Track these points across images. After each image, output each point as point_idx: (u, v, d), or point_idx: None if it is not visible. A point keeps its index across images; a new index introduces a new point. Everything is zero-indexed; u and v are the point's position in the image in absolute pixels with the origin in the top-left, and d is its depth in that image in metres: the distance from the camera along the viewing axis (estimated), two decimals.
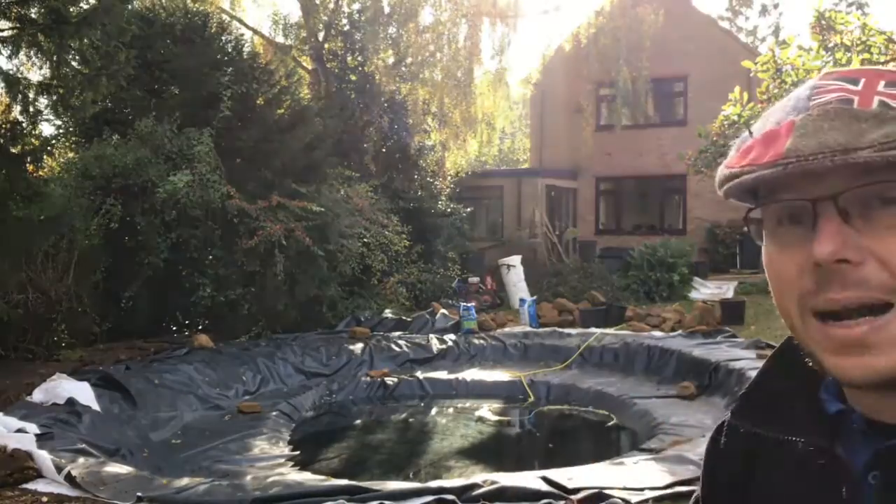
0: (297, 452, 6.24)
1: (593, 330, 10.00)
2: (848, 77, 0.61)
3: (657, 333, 9.72)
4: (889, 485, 0.60)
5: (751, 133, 0.64)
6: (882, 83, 0.60)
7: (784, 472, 0.70)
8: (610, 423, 7.38)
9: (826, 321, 0.59)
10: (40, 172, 8.46)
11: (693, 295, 13.53)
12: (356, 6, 15.53)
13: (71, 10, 7.24)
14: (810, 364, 0.64)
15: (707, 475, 0.79)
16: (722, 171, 0.65)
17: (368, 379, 8.63)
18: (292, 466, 5.65)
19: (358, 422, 8.05)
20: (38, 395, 6.32)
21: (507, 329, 10.61)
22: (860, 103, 0.58)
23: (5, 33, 7.27)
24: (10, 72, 7.56)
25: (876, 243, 0.57)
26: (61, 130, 9.94)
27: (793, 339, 0.68)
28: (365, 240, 10.64)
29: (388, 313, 10.97)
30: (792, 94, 0.65)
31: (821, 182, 0.58)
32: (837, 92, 0.60)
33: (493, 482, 4.46)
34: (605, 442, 7.22)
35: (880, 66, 0.61)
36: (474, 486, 4.42)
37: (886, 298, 0.56)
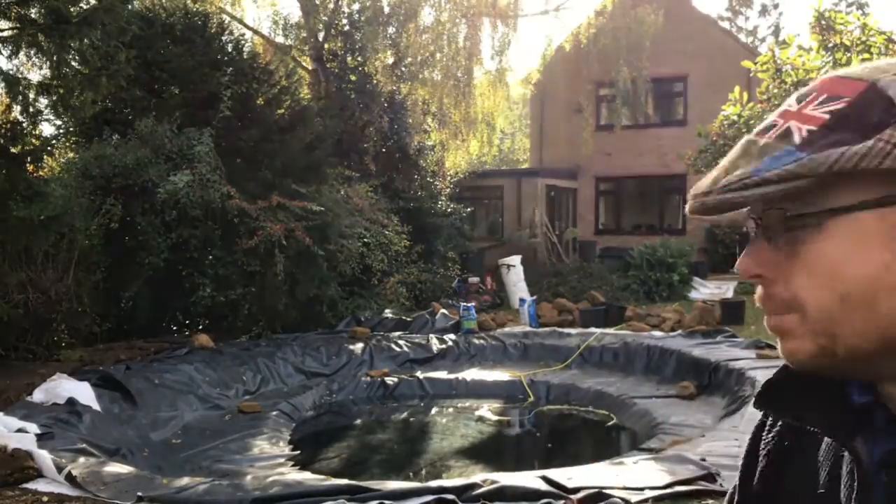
0: (298, 452, 6.25)
1: (593, 330, 10.01)
2: (804, 94, 0.62)
3: (657, 333, 9.73)
4: None
5: None
6: (823, 97, 0.60)
7: (812, 460, 0.70)
8: (610, 423, 7.39)
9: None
10: (40, 172, 8.47)
11: (693, 295, 13.54)
12: (356, 6, 15.54)
13: (71, 10, 7.24)
14: None
15: (748, 457, 0.79)
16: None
17: (368, 379, 8.64)
18: (292, 466, 5.66)
19: (358, 421, 8.06)
20: (38, 395, 6.33)
21: (507, 329, 10.61)
22: (772, 133, 0.60)
23: (5, 33, 7.28)
24: (11, 72, 7.57)
25: (788, 262, 0.60)
26: (61, 130, 9.94)
27: None
28: (365, 240, 10.65)
29: (388, 313, 10.98)
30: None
31: (754, 205, 0.61)
32: (773, 119, 0.62)
33: (492, 482, 4.46)
34: (604, 442, 7.23)
35: (836, 74, 0.61)
36: (474, 485, 4.42)
37: (781, 311, 0.61)
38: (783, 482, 0.72)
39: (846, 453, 0.64)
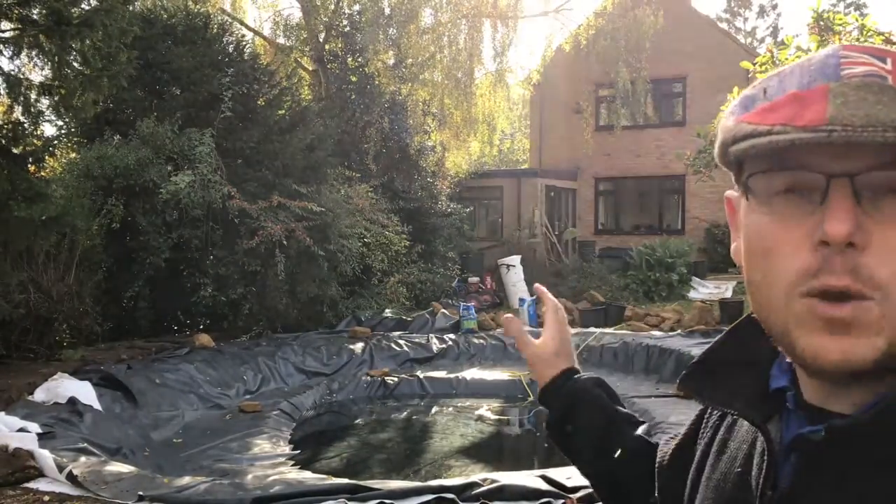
0: (298, 451, 6.27)
1: (593, 330, 10.03)
2: (874, 53, 0.57)
3: (656, 333, 9.76)
4: (805, 469, 0.59)
5: (765, 94, 0.59)
6: None
7: (733, 441, 0.70)
8: None
9: (817, 298, 0.56)
10: (42, 173, 8.48)
11: (692, 295, 13.56)
12: (357, 7, 15.56)
13: (72, 11, 7.26)
14: (771, 343, 0.62)
15: (688, 432, 0.84)
16: (737, 125, 0.59)
17: (369, 378, 8.66)
18: (293, 465, 5.67)
19: (358, 421, 8.08)
20: (39, 395, 6.35)
21: None
22: (894, 82, 0.54)
23: (7, 34, 7.30)
24: (12, 73, 7.59)
25: (879, 232, 0.54)
26: (63, 131, 9.96)
27: (751, 317, 0.68)
28: (365, 240, 10.67)
29: (388, 313, 11.00)
30: (809, 58, 0.59)
31: (841, 158, 0.54)
32: (867, 66, 0.56)
33: (492, 481, 4.48)
34: None
35: None
36: (474, 484, 4.44)
37: (871, 294, 0.54)
38: (715, 467, 0.71)
39: (756, 435, 0.65)
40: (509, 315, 1.17)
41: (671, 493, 0.81)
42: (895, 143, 0.51)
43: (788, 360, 0.64)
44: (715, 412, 0.78)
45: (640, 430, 0.99)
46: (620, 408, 1.04)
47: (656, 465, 0.88)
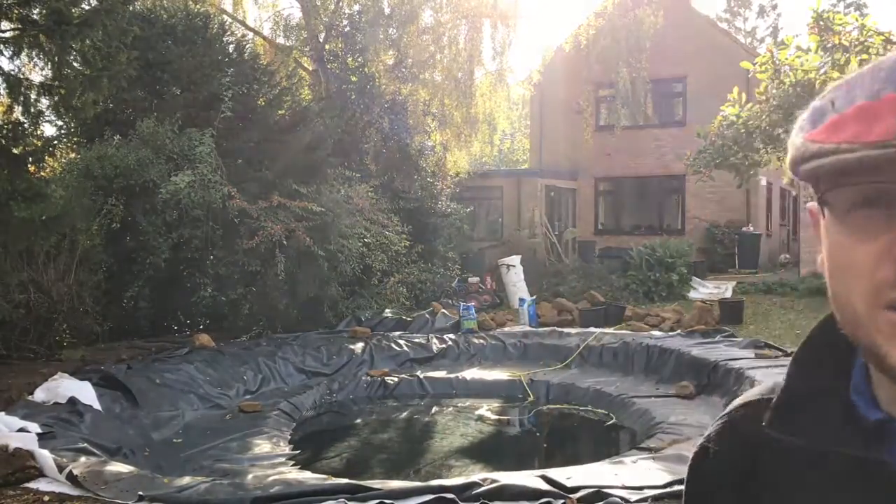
0: (298, 451, 6.27)
1: (593, 330, 10.02)
2: None
3: (656, 333, 9.75)
4: None
5: (834, 106, 0.58)
6: None
7: (819, 479, 0.65)
8: (609, 423, 7.41)
9: None
10: (42, 173, 8.50)
11: (692, 295, 13.56)
12: (357, 7, 15.56)
13: (72, 11, 7.27)
14: (863, 359, 0.61)
15: (696, 480, 0.76)
16: (805, 144, 0.58)
17: (369, 378, 8.66)
18: (293, 465, 5.67)
19: (358, 421, 8.08)
20: (39, 395, 6.35)
21: (506, 329, 10.64)
22: None
23: (7, 34, 7.30)
24: (12, 73, 7.60)
25: None
26: (63, 131, 9.97)
27: (821, 333, 0.66)
28: (365, 240, 10.66)
29: (388, 313, 11.00)
30: (880, 63, 0.58)
31: None
32: None
33: (492, 481, 4.47)
34: (604, 441, 7.25)
35: None
36: (474, 484, 4.44)
37: None
38: None
39: (872, 469, 0.61)
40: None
41: None
42: None
43: (862, 379, 0.63)
44: (724, 450, 0.72)
45: None
46: None
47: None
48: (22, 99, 7.46)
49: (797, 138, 0.60)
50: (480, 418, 7.86)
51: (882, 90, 0.55)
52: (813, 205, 0.64)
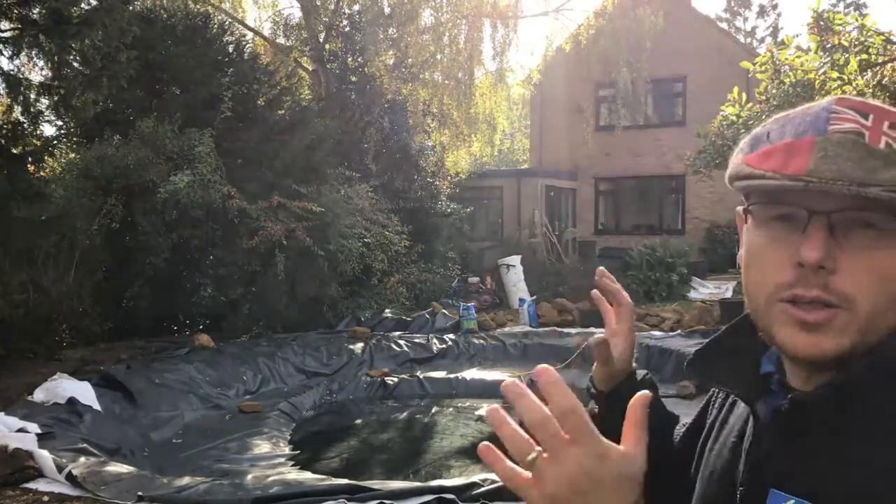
0: (298, 452, 6.26)
1: (592, 330, 10.02)
2: (860, 109, 0.69)
3: (656, 333, 9.75)
4: (777, 433, 0.72)
5: (769, 137, 0.72)
6: (886, 123, 0.68)
7: (732, 417, 0.84)
8: None
9: (789, 303, 0.70)
10: (42, 173, 8.50)
11: (692, 295, 13.56)
12: (357, 7, 15.55)
13: (72, 10, 7.26)
14: (761, 336, 0.76)
15: (698, 414, 0.97)
16: (740, 166, 0.73)
17: (369, 378, 8.65)
18: (293, 466, 5.67)
19: (358, 421, 8.07)
20: (39, 395, 6.34)
21: (506, 329, 10.63)
22: (870, 139, 0.67)
23: (7, 34, 7.30)
24: (12, 73, 7.60)
25: (847, 258, 0.67)
26: (62, 131, 9.96)
27: (748, 316, 0.81)
28: (365, 240, 10.66)
29: (388, 313, 10.99)
30: (810, 109, 0.72)
31: (821, 199, 0.66)
32: (852, 122, 0.68)
33: (492, 481, 4.47)
34: None
35: (885, 106, 0.71)
36: (474, 485, 4.44)
37: (838, 303, 0.67)
38: (717, 438, 0.85)
39: (748, 411, 0.78)
40: (598, 336, 1.00)
41: (685, 467, 0.93)
42: (857, 194, 0.64)
43: (776, 350, 0.77)
44: (720, 397, 0.92)
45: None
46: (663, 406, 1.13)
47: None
48: (21, 99, 7.47)
49: (736, 158, 0.75)
50: (480, 418, 7.85)
51: (804, 132, 0.69)
52: (740, 209, 0.79)
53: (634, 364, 1.08)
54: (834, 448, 0.68)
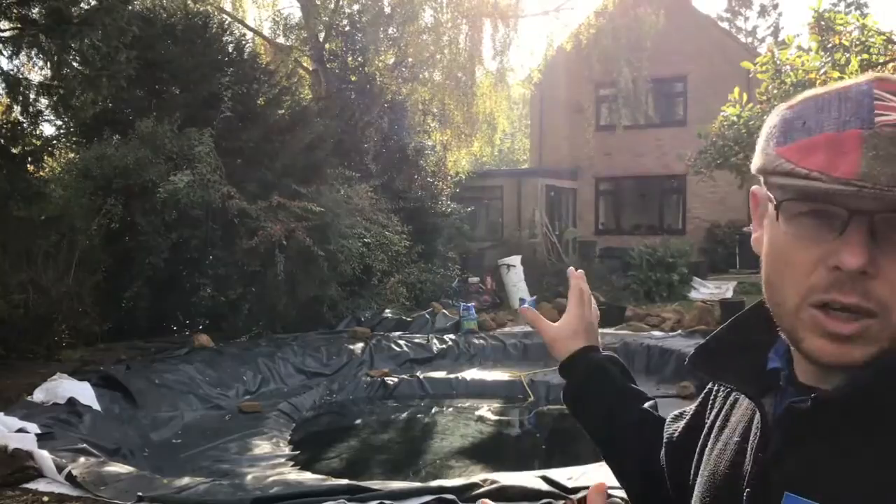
0: (298, 452, 6.25)
1: None
2: None
3: (657, 333, 9.74)
4: (792, 434, 0.68)
5: (804, 125, 0.65)
6: None
7: (734, 416, 0.80)
8: None
9: (822, 310, 0.64)
10: (41, 173, 8.49)
11: (692, 295, 13.55)
12: (357, 7, 15.54)
13: (72, 10, 7.26)
14: (770, 330, 0.72)
15: (696, 411, 0.95)
16: (776, 159, 0.66)
17: (369, 379, 8.65)
18: (293, 466, 5.66)
19: (358, 421, 8.06)
20: (38, 395, 6.34)
21: (506, 329, 10.62)
22: None
23: (6, 34, 7.29)
24: (11, 72, 7.59)
25: (889, 263, 0.62)
26: (62, 131, 9.96)
27: (757, 309, 0.78)
28: (365, 240, 10.65)
29: (388, 313, 10.98)
30: (847, 92, 0.64)
31: (864, 198, 0.60)
32: None
33: (493, 482, 4.46)
34: None
35: None
36: (474, 485, 4.43)
37: (876, 310, 0.62)
38: (718, 438, 0.81)
39: (754, 409, 0.74)
40: (526, 306, 1.17)
41: (680, 468, 0.89)
42: None
43: (784, 345, 0.73)
44: (720, 393, 0.87)
45: (647, 404, 1.11)
46: (633, 385, 1.15)
47: (665, 441, 0.98)
48: (21, 98, 7.46)
49: (769, 147, 0.68)
50: (480, 419, 7.84)
51: (847, 123, 0.62)
52: (757, 189, 0.74)
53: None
54: (853, 448, 0.64)
